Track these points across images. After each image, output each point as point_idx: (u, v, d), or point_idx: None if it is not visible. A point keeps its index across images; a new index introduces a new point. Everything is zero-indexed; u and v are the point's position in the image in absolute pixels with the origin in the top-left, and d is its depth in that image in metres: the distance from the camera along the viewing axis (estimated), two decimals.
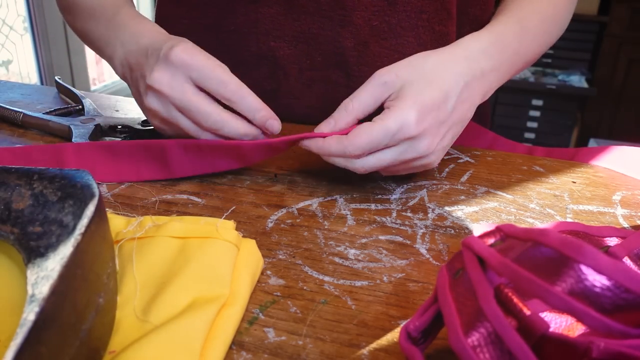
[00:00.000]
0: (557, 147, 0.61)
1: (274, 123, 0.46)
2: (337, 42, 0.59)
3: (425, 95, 0.43)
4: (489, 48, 0.49)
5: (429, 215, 0.45)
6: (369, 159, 0.44)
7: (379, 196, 0.48)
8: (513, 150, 0.61)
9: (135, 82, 0.48)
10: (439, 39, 0.60)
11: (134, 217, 0.38)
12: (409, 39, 0.59)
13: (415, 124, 0.42)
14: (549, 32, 0.57)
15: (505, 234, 0.28)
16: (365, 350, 0.30)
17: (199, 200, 0.46)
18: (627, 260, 0.31)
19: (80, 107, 0.63)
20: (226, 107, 0.46)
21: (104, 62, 0.63)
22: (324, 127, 0.46)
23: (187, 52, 0.44)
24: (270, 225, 0.42)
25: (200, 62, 0.44)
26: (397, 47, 0.59)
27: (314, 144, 0.45)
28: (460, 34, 0.61)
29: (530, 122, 2.77)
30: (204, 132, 0.46)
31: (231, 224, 0.36)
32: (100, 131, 0.57)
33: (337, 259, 0.38)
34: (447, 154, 0.57)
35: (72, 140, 0.53)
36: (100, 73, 2.31)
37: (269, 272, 0.37)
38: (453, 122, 0.46)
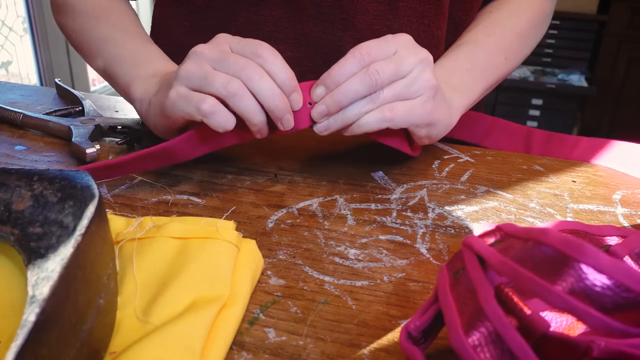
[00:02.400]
0: (557, 133, 0.60)
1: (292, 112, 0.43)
2: (339, 45, 0.59)
3: None
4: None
5: (429, 214, 0.45)
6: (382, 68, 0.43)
7: (379, 196, 0.48)
8: (512, 132, 0.61)
9: (165, 83, 0.46)
10: (438, 44, 0.60)
11: (134, 217, 0.38)
12: None
13: (411, 40, 0.45)
14: (515, 47, 0.60)
15: (505, 234, 0.28)
16: (365, 350, 0.30)
17: (199, 200, 0.46)
18: (627, 260, 0.31)
19: (80, 108, 0.63)
20: None
21: None
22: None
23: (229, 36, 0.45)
24: (270, 225, 0.42)
25: (239, 38, 0.44)
26: None
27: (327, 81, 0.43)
28: (446, 39, 0.62)
29: (530, 121, 2.77)
30: (232, 96, 0.41)
31: (231, 224, 0.36)
32: (100, 132, 0.57)
33: (337, 259, 0.38)
34: (447, 153, 0.57)
35: (72, 140, 0.53)
36: None
37: (269, 272, 0.37)
38: (441, 105, 0.48)
